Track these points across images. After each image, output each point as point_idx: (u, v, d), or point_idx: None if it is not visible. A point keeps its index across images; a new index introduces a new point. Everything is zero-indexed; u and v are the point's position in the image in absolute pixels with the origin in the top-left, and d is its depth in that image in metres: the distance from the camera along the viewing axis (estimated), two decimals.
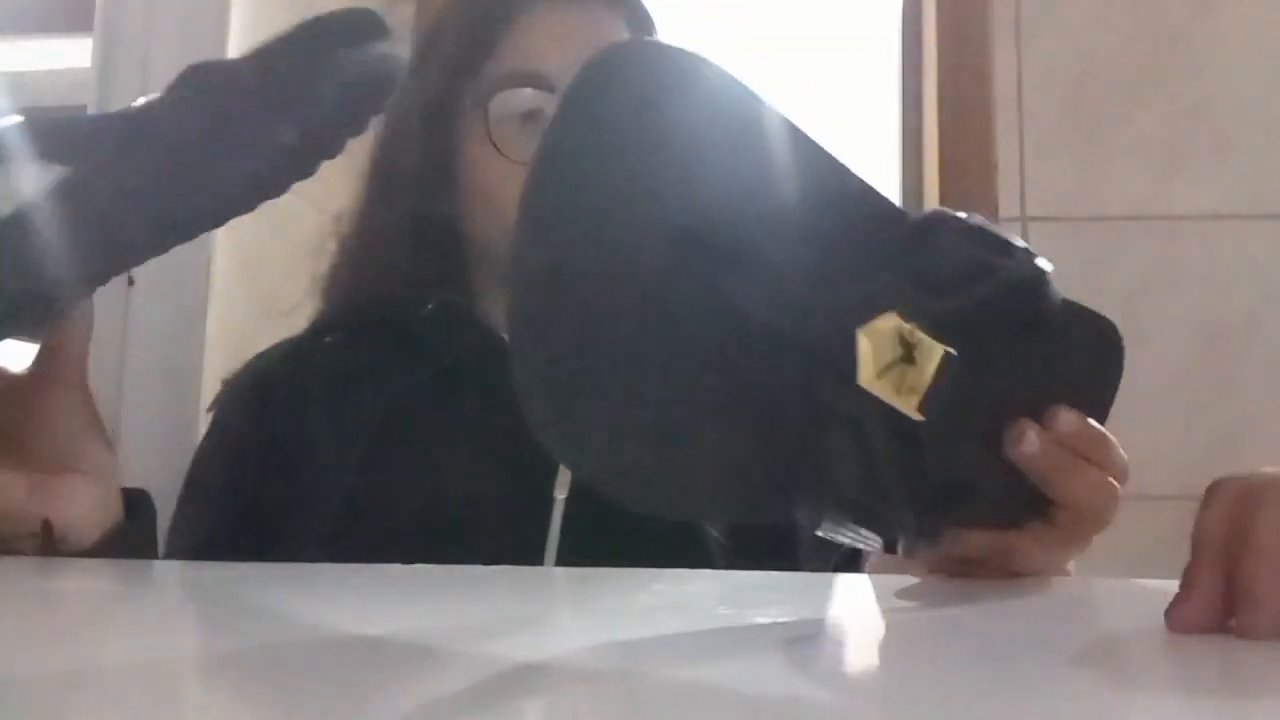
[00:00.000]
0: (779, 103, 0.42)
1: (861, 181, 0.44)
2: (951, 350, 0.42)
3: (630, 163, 0.39)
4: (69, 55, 1.39)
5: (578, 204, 0.39)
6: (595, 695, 0.31)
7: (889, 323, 0.42)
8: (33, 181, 0.45)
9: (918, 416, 0.42)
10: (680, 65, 0.40)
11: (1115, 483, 0.48)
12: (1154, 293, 1.42)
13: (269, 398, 0.77)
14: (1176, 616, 0.36)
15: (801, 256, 0.42)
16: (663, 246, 0.39)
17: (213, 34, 1.13)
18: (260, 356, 0.82)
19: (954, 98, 1.48)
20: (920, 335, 0.42)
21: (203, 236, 1.22)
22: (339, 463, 0.72)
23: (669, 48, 0.41)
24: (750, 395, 0.41)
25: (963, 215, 0.45)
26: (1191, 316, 1.42)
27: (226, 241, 1.11)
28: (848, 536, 0.43)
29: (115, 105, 1.12)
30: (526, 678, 0.32)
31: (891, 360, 0.42)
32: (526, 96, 0.75)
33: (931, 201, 1.50)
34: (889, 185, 1.58)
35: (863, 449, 0.41)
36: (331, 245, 0.82)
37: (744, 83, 0.42)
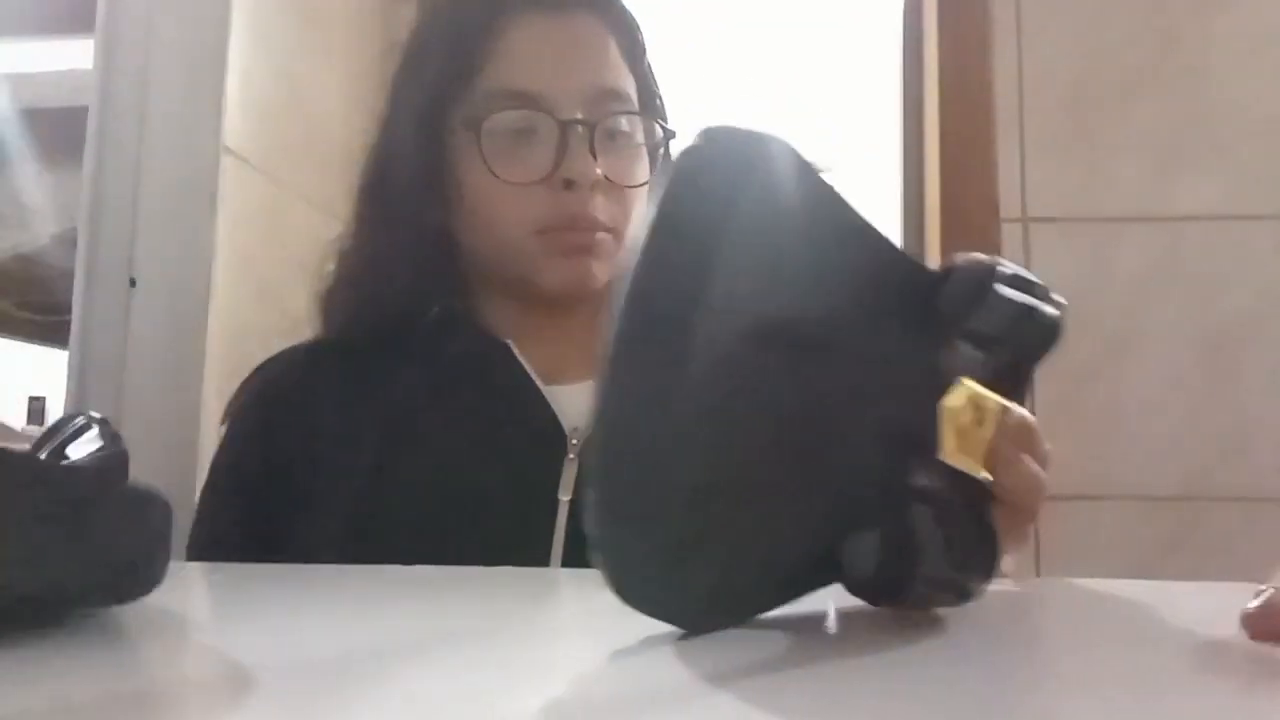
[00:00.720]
0: (831, 177, 0.41)
1: (902, 251, 0.44)
2: (1003, 401, 0.42)
3: (715, 264, 0.37)
4: (70, 57, 1.39)
5: (669, 311, 0.36)
6: (603, 699, 0.31)
7: (965, 390, 0.41)
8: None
9: (987, 476, 0.41)
10: (755, 155, 0.39)
11: (1043, 472, 0.47)
12: (1154, 293, 1.42)
13: (278, 406, 0.79)
14: (1257, 617, 0.34)
15: (873, 337, 0.41)
16: (749, 341, 0.38)
17: (214, 36, 1.13)
18: (267, 364, 0.83)
19: (954, 98, 1.48)
20: (985, 394, 0.41)
21: (202, 236, 1.21)
22: (348, 468, 0.73)
23: (742, 137, 0.39)
24: (839, 485, 0.40)
25: (988, 261, 0.45)
26: (1191, 316, 1.42)
27: (227, 241, 1.11)
28: (926, 607, 0.42)
29: (117, 107, 1.12)
30: (534, 682, 0.32)
31: (967, 426, 0.41)
32: (517, 117, 0.76)
33: (932, 201, 1.50)
34: (889, 186, 1.58)
35: (944, 523, 0.40)
36: (330, 266, 0.84)
37: (807, 162, 0.40)
